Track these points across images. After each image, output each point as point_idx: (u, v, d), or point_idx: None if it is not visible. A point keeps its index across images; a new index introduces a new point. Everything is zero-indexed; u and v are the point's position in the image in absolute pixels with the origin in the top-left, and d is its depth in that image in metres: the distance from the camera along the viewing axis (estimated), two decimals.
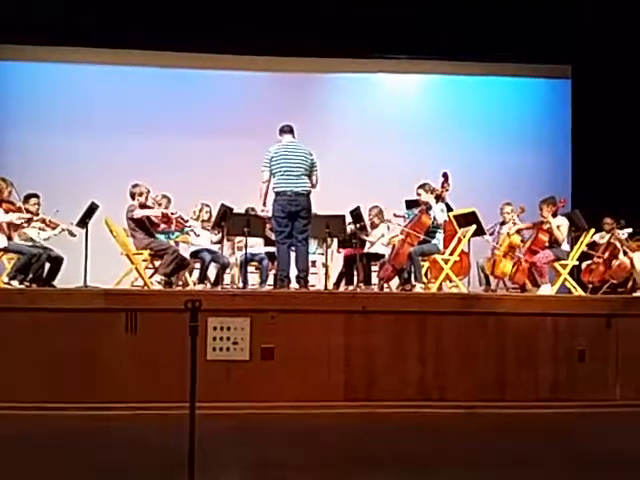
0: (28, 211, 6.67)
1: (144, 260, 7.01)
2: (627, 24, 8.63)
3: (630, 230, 7.56)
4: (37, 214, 6.84)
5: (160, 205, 7.50)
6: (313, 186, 6.42)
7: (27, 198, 6.83)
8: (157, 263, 7.10)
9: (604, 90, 9.11)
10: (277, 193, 6.33)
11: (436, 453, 4.32)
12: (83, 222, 6.70)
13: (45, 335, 5.26)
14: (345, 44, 9.31)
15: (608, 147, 9.00)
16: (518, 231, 7.65)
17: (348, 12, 8.73)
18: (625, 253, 7.51)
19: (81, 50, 9.44)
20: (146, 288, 6.78)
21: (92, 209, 6.77)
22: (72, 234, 6.91)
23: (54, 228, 6.97)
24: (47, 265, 6.66)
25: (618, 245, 7.67)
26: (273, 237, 7.63)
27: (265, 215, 6.68)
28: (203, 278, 7.44)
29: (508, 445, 4.57)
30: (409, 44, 9.34)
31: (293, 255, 6.49)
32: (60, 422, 4.90)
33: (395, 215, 7.59)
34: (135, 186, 7.01)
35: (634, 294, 7.00)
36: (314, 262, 7.52)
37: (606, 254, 7.79)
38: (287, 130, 6.47)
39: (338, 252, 8.20)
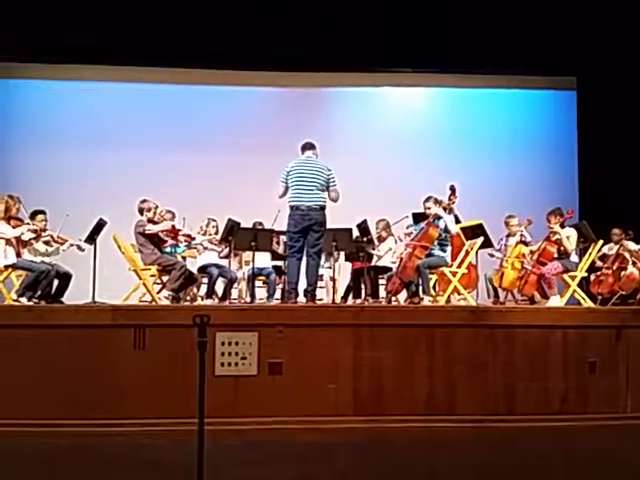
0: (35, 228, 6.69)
1: (152, 275, 7.02)
2: (632, 36, 8.63)
3: None
4: (45, 230, 6.87)
5: (165, 220, 7.53)
6: (333, 200, 6.46)
7: (34, 215, 6.86)
8: (165, 278, 7.11)
9: (609, 101, 9.11)
10: (291, 207, 6.38)
11: (446, 469, 4.28)
12: (91, 238, 6.73)
13: (53, 351, 5.26)
14: (351, 58, 9.36)
15: (614, 158, 8.98)
16: (525, 243, 7.64)
17: (353, 27, 8.78)
18: (634, 264, 7.46)
19: (88, 67, 9.53)
20: (154, 304, 6.79)
21: (100, 225, 6.79)
22: (81, 249, 6.94)
23: (62, 244, 7.00)
24: (56, 281, 6.68)
25: (627, 256, 7.62)
26: (280, 251, 7.66)
27: None
28: (211, 293, 7.44)
29: (519, 460, 4.52)
30: (414, 58, 9.37)
31: (303, 268, 6.50)
32: (68, 439, 4.88)
33: (405, 233, 7.59)
34: (144, 202, 7.05)
35: None
36: (321, 276, 7.52)
37: (615, 265, 7.74)
38: (307, 147, 6.55)
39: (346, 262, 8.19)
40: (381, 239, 8.03)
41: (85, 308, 5.79)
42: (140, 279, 7.00)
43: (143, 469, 4.19)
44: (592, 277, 7.89)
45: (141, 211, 7.01)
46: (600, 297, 7.75)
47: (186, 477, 3.34)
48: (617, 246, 7.80)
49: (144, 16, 8.64)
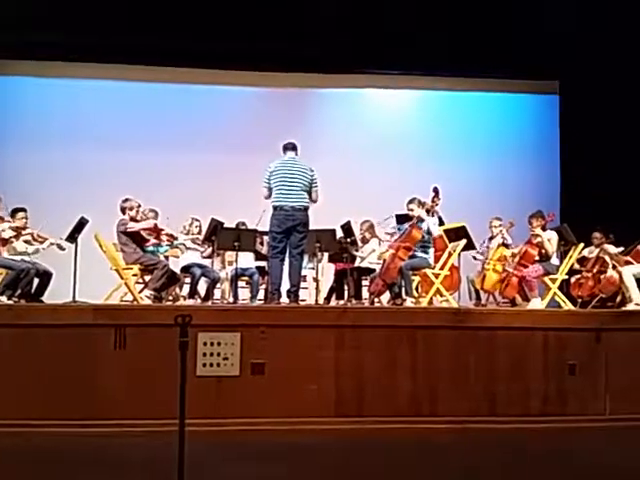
0: (16, 226, 6.63)
1: (134, 275, 6.97)
2: (614, 40, 8.73)
3: (622, 249, 7.58)
4: (25, 228, 6.80)
5: (147, 219, 7.47)
6: (314, 202, 6.47)
7: (14, 212, 6.78)
8: (147, 278, 7.07)
9: (592, 105, 9.20)
10: (275, 208, 6.36)
11: (428, 470, 4.30)
12: (72, 237, 6.66)
13: (33, 351, 5.21)
14: (336, 60, 9.39)
15: (596, 162, 9.08)
16: (507, 246, 7.71)
17: (340, 28, 8.80)
18: (614, 267, 7.54)
19: (73, 65, 9.45)
20: (135, 303, 6.74)
21: (81, 224, 6.73)
22: (61, 247, 6.87)
23: (42, 242, 6.93)
24: (36, 280, 6.61)
25: (607, 259, 7.70)
26: (263, 251, 7.64)
27: None
28: (193, 293, 7.41)
29: (500, 461, 4.55)
30: (399, 60, 9.43)
31: (285, 269, 6.49)
32: (47, 439, 4.84)
33: (387, 233, 7.61)
34: (126, 200, 7.00)
35: (623, 308, 7.01)
36: (305, 276, 7.51)
37: (595, 268, 7.82)
38: (290, 147, 6.56)
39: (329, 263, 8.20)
40: (365, 240, 8.05)
41: (65, 307, 5.74)
42: (122, 278, 6.94)
43: (124, 470, 4.15)
44: (572, 280, 7.95)
45: (123, 210, 6.96)
46: (580, 300, 7.83)
47: (167, 478, 3.32)
48: (597, 249, 7.87)
49: (131, 14, 8.57)
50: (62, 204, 8.11)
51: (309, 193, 6.43)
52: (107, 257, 7.05)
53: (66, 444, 4.74)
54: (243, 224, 7.72)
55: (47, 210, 7.07)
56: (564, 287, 7.65)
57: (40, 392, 5.15)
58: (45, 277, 6.65)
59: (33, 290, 6.61)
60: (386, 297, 7.53)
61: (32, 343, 5.22)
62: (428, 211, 7.05)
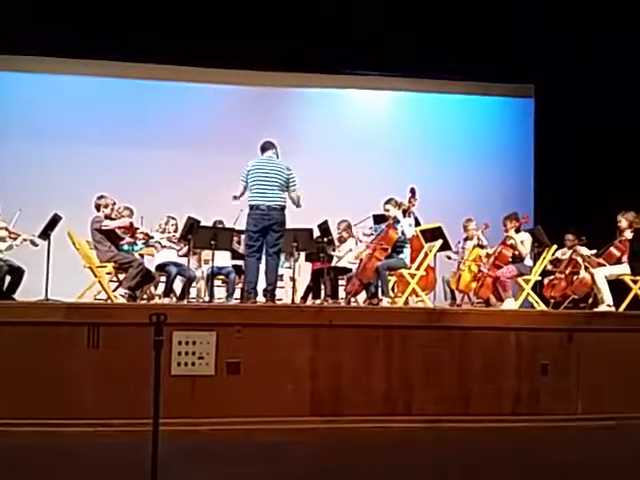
0: None
1: (108, 273, 6.89)
2: (588, 44, 8.86)
3: (594, 251, 7.70)
4: None
5: (122, 217, 7.40)
6: (294, 201, 6.45)
7: None
8: (121, 276, 7.00)
9: (566, 109, 9.35)
10: (251, 207, 6.35)
11: (402, 468, 4.32)
12: (45, 234, 6.57)
13: (4, 349, 5.12)
14: (317, 59, 9.42)
15: (570, 165, 9.22)
16: (481, 247, 7.79)
17: (321, 29, 8.82)
18: (586, 269, 7.66)
19: (53, 60, 9.37)
20: (109, 302, 6.67)
21: (55, 220, 6.64)
22: (34, 244, 6.78)
23: (15, 238, 6.82)
24: (7, 277, 6.50)
25: (579, 261, 7.82)
26: (240, 250, 7.62)
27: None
28: (168, 291, 7.36)
29: (473, 460, 4.59)
30: (380, 62, 9.49)
31: (262, 268, 6.48)
32: (18, 439, 4.76)
33: (364, 234, 7.65)
34: (101, 198, 6.93)
35: (595, 309, 7.12)
36: (281, 276, 7.51)
37: (568, 270, 7.94)
38: (267, 147, 6.50)
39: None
40: (342, 240, 8.07)
41: (38, 305, 5.67)
42: (95, 276, 6.86)
43: (96, 470, 4.11)
44: (545, 281, 8.07)
45: (98, 207, 6.89)
46: (553, 300, 7.94)
47: (140, 478, 3.29)
48: (570, 251, 8.00)
49: (112, 13, 8.50)
50: (35, 200, 7.99)
51: (290, 191, 6.40)
52: (80, 255, 6.96)
53: (37, 444, 4.67)
54: (220, 223, 7.69)
55: (20, 206, 6.96)
56: (537, 288, 7.75)
57: (10, 391, 5.06)
58: (17, 274, 6.55)
59: (5, 287, 6.51)
60: (362, 297, 7.56)
61: (3, 341, 5.13)
62: (405, 211, 7.09)
